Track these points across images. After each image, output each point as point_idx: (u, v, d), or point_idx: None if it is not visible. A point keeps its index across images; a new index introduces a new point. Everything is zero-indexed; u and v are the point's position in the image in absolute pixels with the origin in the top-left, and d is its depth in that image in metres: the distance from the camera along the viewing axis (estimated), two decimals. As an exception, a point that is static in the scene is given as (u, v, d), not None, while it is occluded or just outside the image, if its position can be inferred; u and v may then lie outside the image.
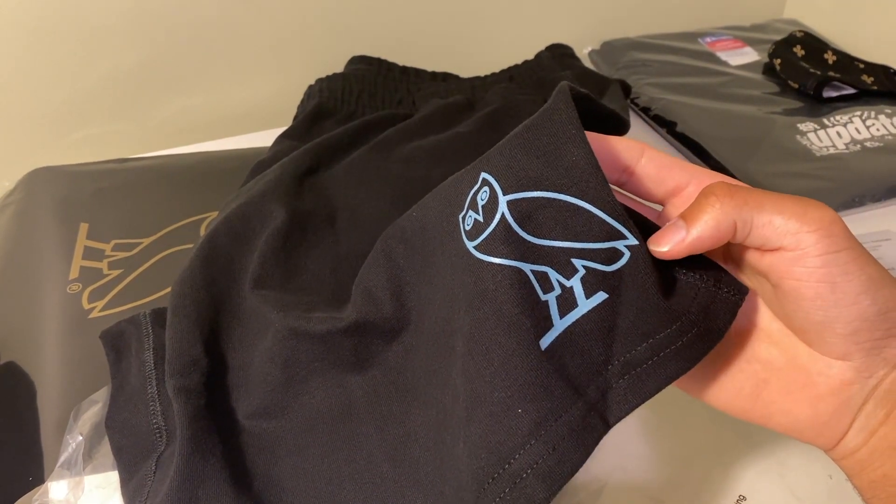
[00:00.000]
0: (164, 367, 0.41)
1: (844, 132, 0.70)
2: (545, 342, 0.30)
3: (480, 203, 0.32)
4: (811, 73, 0.76)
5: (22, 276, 0.54)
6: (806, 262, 0.28)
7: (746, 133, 0.70)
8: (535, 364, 0.29)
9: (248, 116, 0.77)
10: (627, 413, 0.29)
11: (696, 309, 0.30)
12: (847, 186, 0.64)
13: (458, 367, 0.31)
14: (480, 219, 0.32)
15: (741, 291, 0.30)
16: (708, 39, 0.87)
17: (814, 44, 0.82)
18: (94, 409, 0.42)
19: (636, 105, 0.77)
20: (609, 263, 0.30)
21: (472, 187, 0.33)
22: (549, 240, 0.30)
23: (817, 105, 0.74)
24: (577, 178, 0.30)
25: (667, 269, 0.31)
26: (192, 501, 0.35)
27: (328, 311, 0.40)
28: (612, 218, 0.29)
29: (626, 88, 0.74)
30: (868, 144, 0.68)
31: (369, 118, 0.62)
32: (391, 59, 0.71)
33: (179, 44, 0.72)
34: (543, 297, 0.30)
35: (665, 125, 0.73)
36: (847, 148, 0.68)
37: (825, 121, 0.71)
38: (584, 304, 0.30)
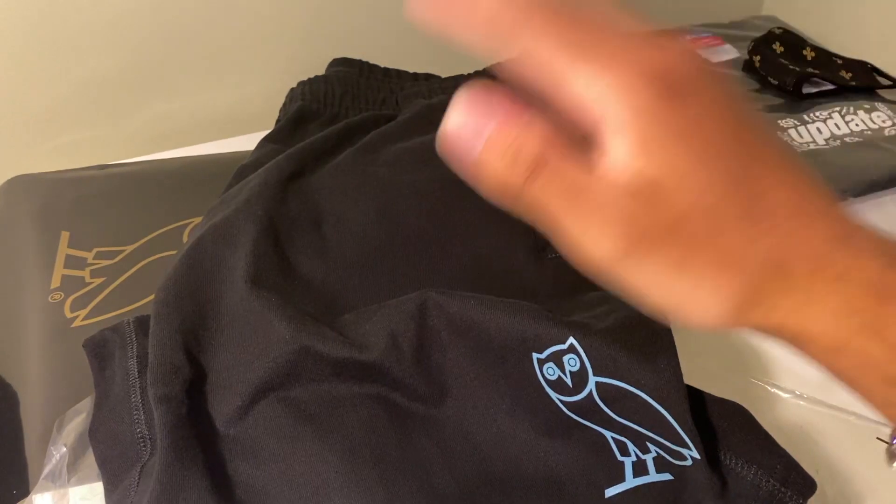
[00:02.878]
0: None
1: (824, 128, 0.70)
2: (611, 491, 0.35)
3: (568, 368, 0.35)
4: (790, 69, 0.77)
5: (2, 286, 0.54)
6: None
7: (728, 130, 0.70)
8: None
9: (230, 121, 0.77)
10: None
11: None
12: (828, 182, 0.63)
13: (519, 488, 0.36)
14: (568, 383, 0.35)
15: (806, 491, 0.33)
16: (687, 37, 0.87)
17: (792, 40, 0.83)
18: (78, 420, 0.42)
19: (618, 104, 0.77)
20: (677, 459, 0.34)
21: (557, 344, 0.36)
22: (631, 422, 0.34)
23: (797, 101, 0.75)
24: (662, 385, 0.33)
25: (734, 464, 0.34)
26: None
27: (331, 326, 0.41)
28: (684, 431, 0.33)
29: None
30: (848, 140, 0.69)
31: (353, 120, 0.62)
32: (372, 60, 0.71)
33: (159, 48, 0.71)
34: (620, 458, 0.35)
35: (647, 123, 0.73)
36: (827, 143, 0.69)
37: (805, 117, 0.72)
38: (655, 476, 0.35)
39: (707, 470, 0.33)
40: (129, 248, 0.56)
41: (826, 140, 0.69)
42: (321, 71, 0.71)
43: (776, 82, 0.77)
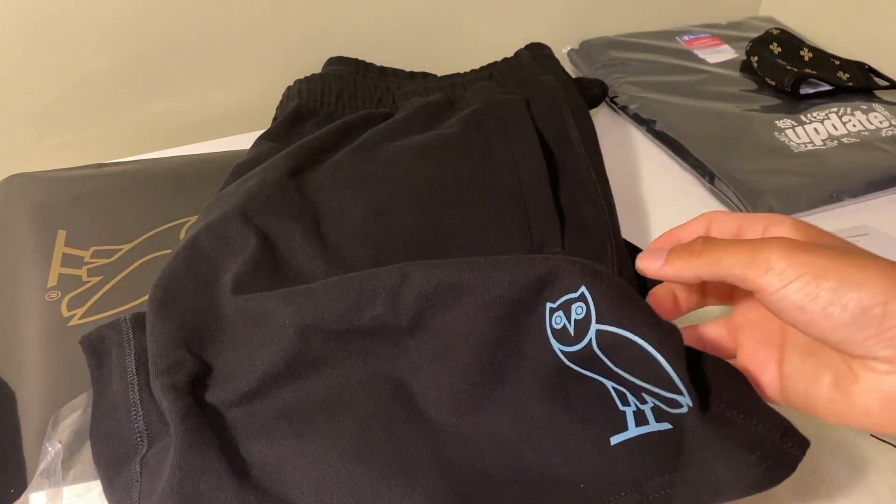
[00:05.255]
0: (146, 372, 0.40)
1: (821, 128, 0.71)
2: (616, 439, 0.36)
3: (574, 316, 0.36)
4: (788, 70, 0.77)
5: (-1, 284, 0.54)
6: (769, 299, 0.32)
7: (725, 130, 0.70)
8: (603, 453, 0.36)
9: (227, 119, 0.77)
10: None
11: (757, 459, 0.33)
12: (825, 182, 0.64)
13: (528, 442, 0.37)
14: (571, 331, 0.36)
15: (803, 445, 0.33)
16: (686, 38, 0.87)
17: (790, 41, 0.83)
18: (73, 416, 0.42)
19: (615, 104, 0.77)
20: (672, 407, 0.35)
21: (570, 292, 0.37)
22: (628, 374, 0.35)
23: (794, 102, 0.75)
24: (660, 335, 0.34)
25: (735, 418, 0.34)
26: (194, 495, 0.34)
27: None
28: (679, 377, 0.33)
29: (604, 88, 0.74)
30: (845, 140, 0.69)
31: (350, 118, 0.62)
32: (368, 59, 0.71)
33: (156, 47, 0.71)
34: (622, 408, 0.37)
35: (644, 123, 0.74)
36: (824, 144, 0.69)
37: (802, 117, 0.72)
38: (655, 425, 0.36)
39: (701, 416, 0.34)
40: (127, 247, 0.56)
41: (823, 140, 0.69)
42: (317, 69, 0.71)
43: (774, 83, 0.77)
